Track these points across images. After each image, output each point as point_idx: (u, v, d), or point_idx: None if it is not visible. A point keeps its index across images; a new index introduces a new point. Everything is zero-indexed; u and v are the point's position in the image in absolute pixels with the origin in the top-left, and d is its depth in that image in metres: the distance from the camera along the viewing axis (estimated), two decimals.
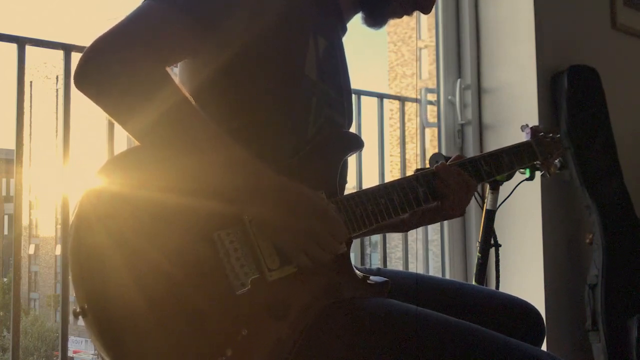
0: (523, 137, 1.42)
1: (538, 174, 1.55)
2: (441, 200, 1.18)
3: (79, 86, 0.90)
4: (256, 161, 0.95)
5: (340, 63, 1.19)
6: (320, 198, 1.01)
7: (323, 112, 1.11)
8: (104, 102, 0.90)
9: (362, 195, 1.09)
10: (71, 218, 0.87)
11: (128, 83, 0.89)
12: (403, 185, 1.14)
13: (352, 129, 1.26)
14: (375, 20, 1.22)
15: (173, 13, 0.95)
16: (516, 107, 2.33)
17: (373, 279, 1.08)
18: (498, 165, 1.28)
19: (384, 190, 1.11)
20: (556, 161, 1.43)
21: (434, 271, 2.75)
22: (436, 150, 2.33)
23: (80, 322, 0.84)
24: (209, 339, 0.87)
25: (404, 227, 1.29)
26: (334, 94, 1.14)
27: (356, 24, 1.27)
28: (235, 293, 0.91)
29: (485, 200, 1.78)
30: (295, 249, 0.96)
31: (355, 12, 1.24)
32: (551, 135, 1.42)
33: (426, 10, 1.23)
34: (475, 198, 1.89)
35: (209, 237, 0.91)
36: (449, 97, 2.42)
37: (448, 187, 1.17)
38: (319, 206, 0.98)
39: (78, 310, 0.83)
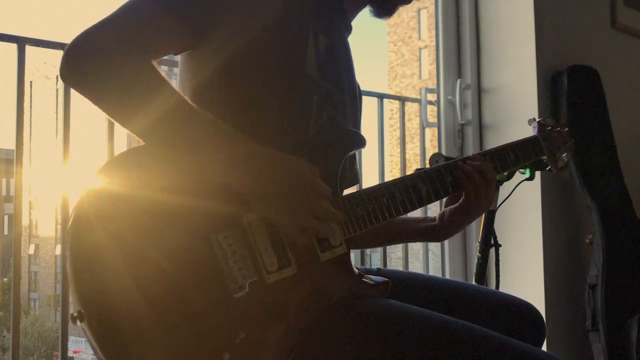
0: (530, 130, 1.41)
1: (538, 173, 1.55)
2: (464, 193, 1.19)
3: (63, 79, 0.92)
4: (238, 136, 0.94)
5: (343, 62, 1.19)
6: (295, 159, 0.98)
7: (325, 110, 1.10)
8: (89, 96, 0.92)
9: (363, 194, 1.08)
10: (70, 218, 0.87)
11: (110, 78, 0.90)
12: (405, 183, 1.13)
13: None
14: (385, 10, 1.22)
15: (158, 8, 0.96)
16: (516, 107, 2.33)
17: (373, 279, 1.07)
18: (504, 162, 1.27)
19: (385, 189, 1.11)
20: (563, 155, 1.42)
21: (434, 271, 2.75)
22: (436, 150, 2.33)
23: None
24: (206, 342, 0.87)
25: (438, 236, 1.27)
26: (336, 93, 1.14)
27: (356, 24, 1.27)
28: (233, 296, 0.91)
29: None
30: (289, 222, 0.94)
31: (361, 9, 1.23)
32: (558, 129, 1.41)
33: None
34: None
35: (207, 240, 0.91)
36: (449, 97, 2.42)
37: (469, 180, 1.17)
38: (297, 168, 0.96)
39: (75, 314, 0.82)
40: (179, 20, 0.98)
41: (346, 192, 1.12)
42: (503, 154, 1.27)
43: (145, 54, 0.94)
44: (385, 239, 1.39)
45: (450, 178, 1.17)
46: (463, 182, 1.18)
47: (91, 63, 0.90)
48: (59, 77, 0.93)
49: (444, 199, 1.26)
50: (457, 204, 1.23)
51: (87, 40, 0.91)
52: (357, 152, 1.19)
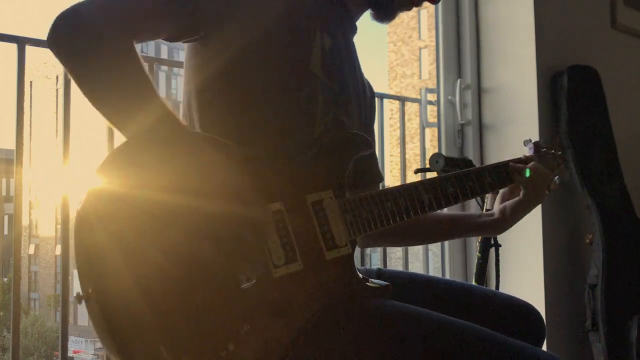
0: (526, 151, 1.42)
1: None
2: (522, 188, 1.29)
3: (48, 45, 0.94)
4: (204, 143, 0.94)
5: (348, 62, 1.19)
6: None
7: (330, 110, 1.10)
8: (68, 65, 0.94)
9: (369, 197, 1.08)
10: (79, 211, 0.86)
11: (90, 51, 0.91)
12: (410, 190, 1.13)
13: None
14: (385, 15, 1.23)
15: None
16: (516, 107, 2.33)
17: (375, 282, 1.08)
18: (501, 177, 1.29)
19: (390, 194, 1.11)
20: (556, 178, 1.43)
21: (434, 271, 2.75)
22: (436, 150, 2.33)
23: (81, 322, 0.84)
24: (212, 332, 0.87)
25: (498, 229, 1.35)
26: (341, 92, 1.14)
27: (359, 23, 1.27)
28: (240, 287, 0.91)
29: (486, 201, 1.78)
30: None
31: (364, 10, 1.23)
32: (553, 151, 1.43)
33: (434, 0, 1.24)
34: (476, 199, 1.89)
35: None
36: (449, 97, 2.42)
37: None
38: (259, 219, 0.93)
39: (82, 294, 0.82)
40: (175, 4, 0.99)
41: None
42: (500, 170, 1.29)
43: (128, 34, 0.95)
44: (442, 235, 1.50)
45: (451, 189, 1.19)
46: (518, 179, 1.29)
47: (74, 34, 0.92)
48: (47, 44, 0.94)
49: (500, 195, 1.37)
50: (518, 198, 1.31)
51: (76, 11, 0.93)
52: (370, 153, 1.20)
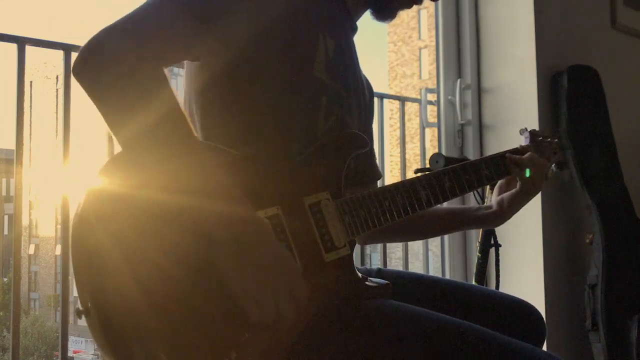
0: (522, 140, 1.42)
1: None
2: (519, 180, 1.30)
3: (75, 75, 0.90)
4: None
5: (350, 62, 1.19)
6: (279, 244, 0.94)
7: (333, 111, 1.10)
8: (96, 95, 0.90)
9: (366, 196, 1.08)
10: (78, 212, 0.86)
11: (123, 80, 0.88)
12: (406, 187, 1.13)
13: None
14: (386, 14, 1.23)
15: (177, 10, 0.95)
16: (516, 107, 2.33)
17: (374, 280, 1.08)
18: (498, 169, 1.29)
19: (388, 192, 1.11)
20: (553, 165, 1.44)
21: (434, 271, 2.75)
22: (436, 150, 2.33)
23: (81, 322, 0.84)
24: (213, 340, 0.87)
25: (497, 221, 1.37)
26: (343, 93, 1.14)
27: (361, 23, 1.27)
28: None
29: (486, 201, 1.78)
30: (248, 288, 0.86)
31: (365, 9, 1.23)
32: (549, 139, 1.43)
33: None
34: (475, 198, 1.89)
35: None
36: (449, 97, 2.42)
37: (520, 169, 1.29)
38: (280, 250, 0.91)
39: (81, 308, 0.82)
40: (196, 18, 0.96)
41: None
42: (497, 161, 1.29)
43: (160, 60, 0.93)
44: (442, 229, 1.52)
45: (448, 184, 1.19)
46: (515, 170, 1.30)
47: (105, 66, 0.89)
48: (72, 74, 0.91)
49: (497, 187, 1.38)
50: (516, 190, 1.32)
51: (105, 40, 0.90)
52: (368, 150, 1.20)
